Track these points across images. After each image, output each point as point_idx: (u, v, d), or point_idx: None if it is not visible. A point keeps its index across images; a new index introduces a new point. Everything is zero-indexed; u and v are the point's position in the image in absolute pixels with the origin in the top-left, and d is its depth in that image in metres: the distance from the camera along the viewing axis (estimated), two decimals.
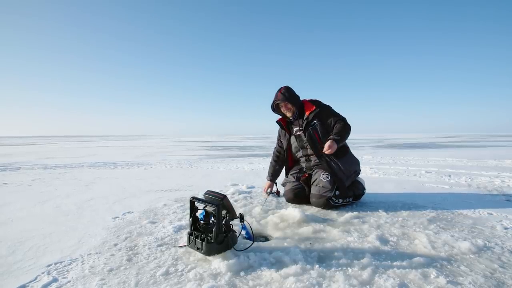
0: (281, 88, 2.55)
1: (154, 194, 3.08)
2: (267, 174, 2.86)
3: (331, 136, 2.32)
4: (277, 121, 2.74)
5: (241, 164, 6.10)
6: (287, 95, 2.49)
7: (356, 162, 2.53)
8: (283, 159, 2.79)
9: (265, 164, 5.96)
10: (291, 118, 2.58)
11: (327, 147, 2.24)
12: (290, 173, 2.68)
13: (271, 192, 2.81)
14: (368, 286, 1.16)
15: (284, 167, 2.82)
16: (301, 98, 2.61)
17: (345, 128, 2.36)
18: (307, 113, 2.48)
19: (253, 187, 3.38)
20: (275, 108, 2.64)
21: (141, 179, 4.18)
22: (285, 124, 2.69)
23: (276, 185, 2.89)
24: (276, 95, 2.54)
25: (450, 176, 4.02)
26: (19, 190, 3.37)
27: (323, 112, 2.46)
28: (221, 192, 1.51)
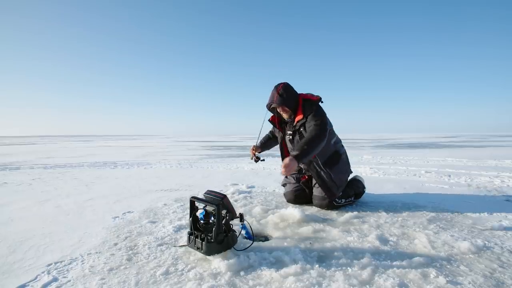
0: (278, 86, 2.29)
1: (154, 193, 3.08)
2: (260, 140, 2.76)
3: (292, 153, 1.99)
4: (269, 121, 2.59)
5: (241, 164, 6.10)
6: (285, 96, 2.26)
7: (348, 171, 2.44)
8: (275, 140, 2.73)
9: (265, 164, 5.96)
10: (287, 119, 2.43)
11: (283, 168, 1.90)
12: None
13: (255, 157, 2.63)
14: (368, 286, 1.16)
15: (269, 143, 2.76)
16: (299, 92, 2.42)
17: (313, 139, 2.05)
18: (296, 120, 2.32)
19: (253, 186, 3.38)
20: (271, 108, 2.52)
21: (141, 179, 4.18)
22: (278, 123, 2.53)
23: (256, 154, 2.67)
24: (273, 96, 2.30)
25: (450, 176, 4.02)
26: (19, 189, 3.37)
27: (308, 119, 2.24)
28: (221, 192, 1.52)
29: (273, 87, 2.35)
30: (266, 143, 2.79)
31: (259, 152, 2.69)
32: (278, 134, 2.59)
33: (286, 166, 1.89)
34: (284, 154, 2.60)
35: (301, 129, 2.29)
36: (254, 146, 2.67)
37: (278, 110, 2.42)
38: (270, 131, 2.82)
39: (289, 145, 2.51)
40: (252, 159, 2.63)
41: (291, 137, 2.40)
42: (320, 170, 2.27)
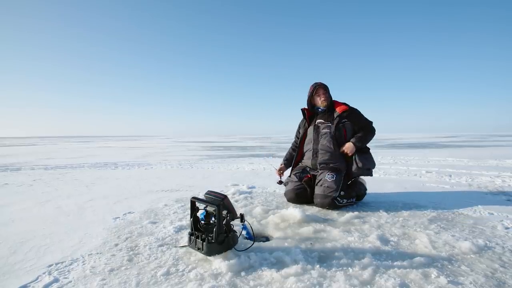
0: (317, 82, 2.69)
1: (155, 194, 3.08)
2: (282, 159, 2.89)
3: (353, 140, 2.51)
4: (302, 109, 2.79)
5: (242, 164, 6.11)
6: (327, 87, 2.66)
7: (373, 163, 2.60)
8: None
9: (266, 164, 5.96)
10: (323, 107, 2.65)
11: (348, 150, 2.47)
12: (293, 172, 2.68)
13: (279, 180, 2.76)
14: (368, 286, 1.16)
15: (293, 159, 2.80)
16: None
17: (369, 135, 2.59)
18: (339, 111, 2.57)
19: (253, 187, 3.38)
20: (313, 95, 2.68)
21: (141, 179, 4.18)
22: (308, 115, 2.76)
23: (281, 177, 2.80)
24: (316, 83, 2.67)
25: (450, 176, 4.02)
26: (20, 190, 3.38)
27: (353, 114, 2.59)
28: (222, 192, 1.52)
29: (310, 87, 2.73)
30: (289, 160, 2.85)
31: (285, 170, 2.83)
32: (303, 127, 2.78)
33: (350, 150, 2.48)
34: (300, 147, 2.74)
35: (344, 120, 2.56)
36: (280, 168, 2.81)
37: (319, 97, 2.64)
38: (292, 147, 2.90)
39: (310, 135, 2.67)
40: (279, 177, 2.79)
41: (327, 124, 2.60)
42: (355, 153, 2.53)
